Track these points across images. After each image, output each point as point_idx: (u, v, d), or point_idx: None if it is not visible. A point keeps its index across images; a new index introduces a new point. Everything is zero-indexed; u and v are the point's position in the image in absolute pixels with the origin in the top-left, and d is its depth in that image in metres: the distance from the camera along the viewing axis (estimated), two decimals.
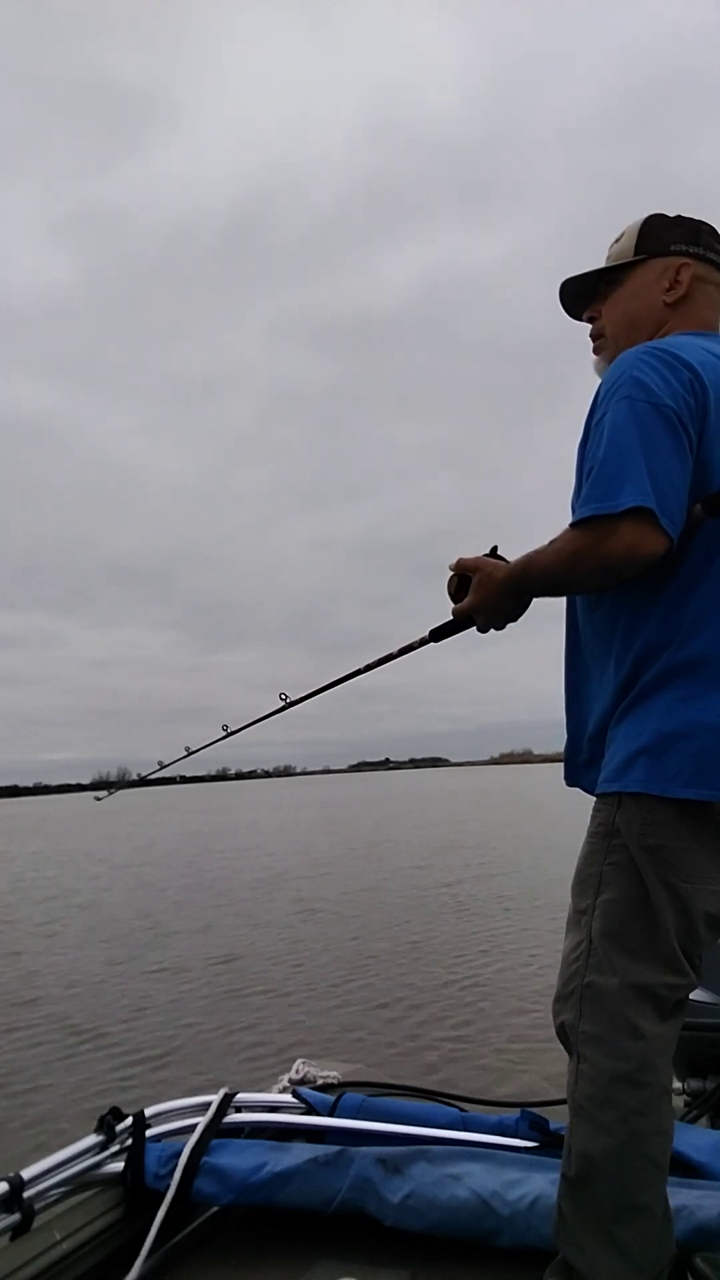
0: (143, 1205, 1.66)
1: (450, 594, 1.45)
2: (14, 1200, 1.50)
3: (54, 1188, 1.59)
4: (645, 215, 1.53)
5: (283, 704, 1.85)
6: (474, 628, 1.46)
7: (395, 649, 1.62)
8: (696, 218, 1.51)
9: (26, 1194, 1.52)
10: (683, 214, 1.51)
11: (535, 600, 1.40)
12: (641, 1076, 1.24)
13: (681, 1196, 1.55)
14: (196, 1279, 1.60)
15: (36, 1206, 1.53)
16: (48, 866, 20.92)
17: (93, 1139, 1.71)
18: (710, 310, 1.48)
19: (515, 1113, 1.91)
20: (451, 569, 1.45)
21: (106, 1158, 1.70)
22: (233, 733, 2.06)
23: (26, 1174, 1.55)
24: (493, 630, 1.45)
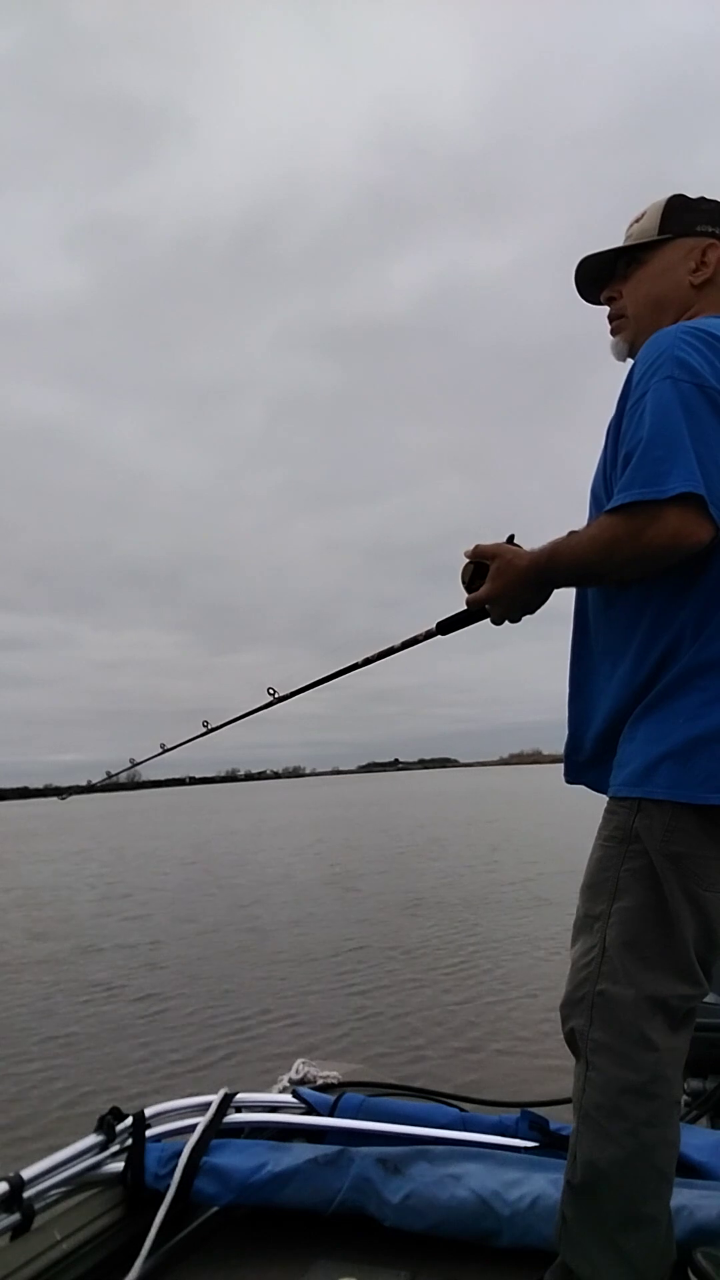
0: (143, 1205, 1.66)
1: (464, 583, 1.39)
2: (14, 1200, 1.50)
3: (54, 1188, 1.60)
4: (668, 195, 1.47)
5: (270, 699, 1.80)
6: (487, 619, 1.40)
7: (399, 642, 1.57)
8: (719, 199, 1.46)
9: (26, 1194, 1.52)
10: (705, 195, 1.46)
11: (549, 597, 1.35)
12: (653, 1089, 1.22)
13: (681, 1196, 1.54)
14: (196, 1279, 1.60)
15: (36, 1206, 1.53)
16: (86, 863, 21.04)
17: (93, 1139, 1.72)
18: None
19: (515, 1113, 1.91)
20: (467, 555, 1.39)
21: (106, 1158, 1.70)
22: (215, 728, 2.00)
23: (26, 1174, 1.55)
24: (507, 623, 1.39)
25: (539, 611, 1.39)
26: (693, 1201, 1.54)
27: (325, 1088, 2.12)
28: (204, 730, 2.02)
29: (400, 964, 7.79)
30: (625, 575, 1.27)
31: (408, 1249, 1.62)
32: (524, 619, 1.40)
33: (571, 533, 1.29)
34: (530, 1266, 1.55)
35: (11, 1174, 1.54)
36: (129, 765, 2.35)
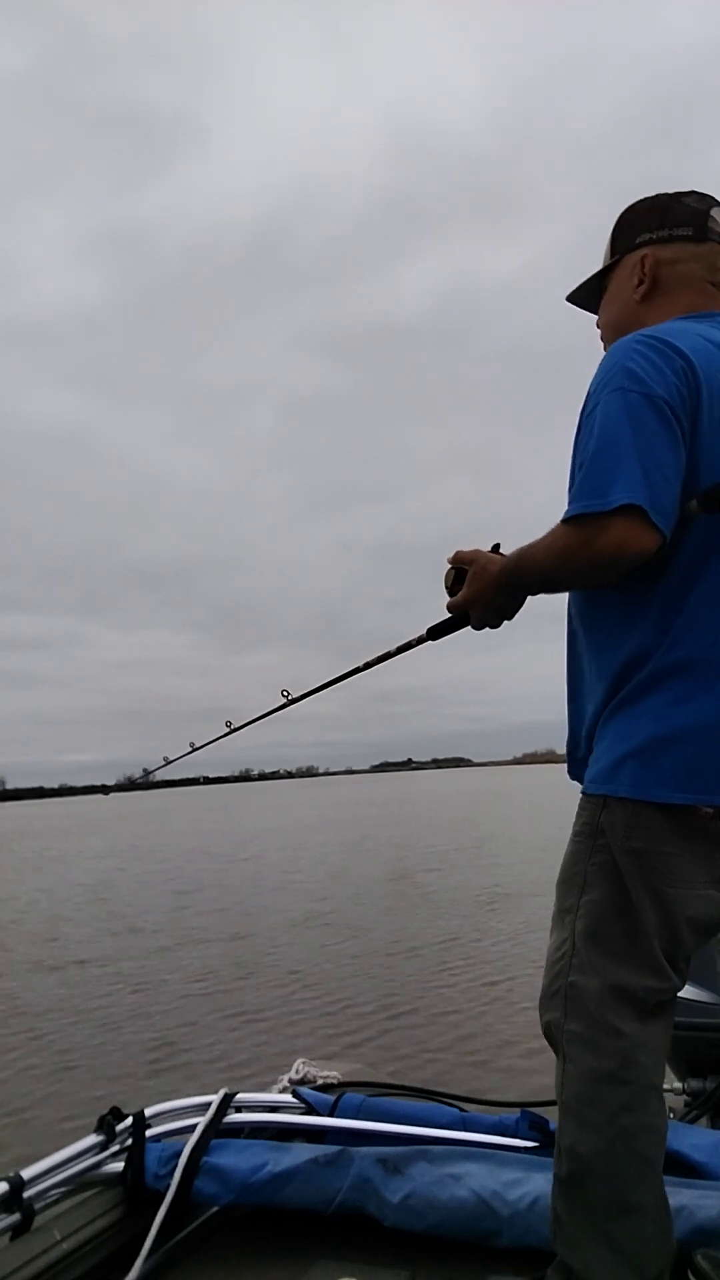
0: (143, 1205, 1.67)
1: (447, 587, 1.41)
2: (14, 1200, 1.50)
3: (54, 1188, 1.60)
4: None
5: (285, 700, 1.84)
6: (469, 625, 1.43)
7: (394, 647, 1.59)
8: (678, 190, 1.44)
9: (26, 1194, 1.52)
10: (666, 191, 1.45)
11: (548, 598, 1.36)
12: (625, 1074, 1.23)
13: (681, 1196, 1.54)
14: (196, 1279, 1.61)
15: (36, 1206, 1.53)
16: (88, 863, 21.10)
17: (93, 1139, 1.72)
18: (692, 291, 1.41)
19: (515, 1113, 1.90)
20: (449, 562, 1.41)
21: (106, 1158, 1.70)
22: (237, 728, 2.04)
23: (26, 1174, 1.56)
24: (488, 629, 1.42)
25: (518, 617, 1.41)
26: (693, 1201, 1.53)
27: (325, 1088, 2.11)
28: (228, 730, 2.05)
29: (401, 964, 7.78)
30: (583, 583, 1.30)
31: (408, 1249, 1.62)
32: (504, 625, 1.42)
33: (541, 538, 1.30)
34: (530, 1266, 1.55)
35: (11, 1174, 1.54)
36: (164, 762, 2.40)
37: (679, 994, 1.31)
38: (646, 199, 1.46)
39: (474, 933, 9.09)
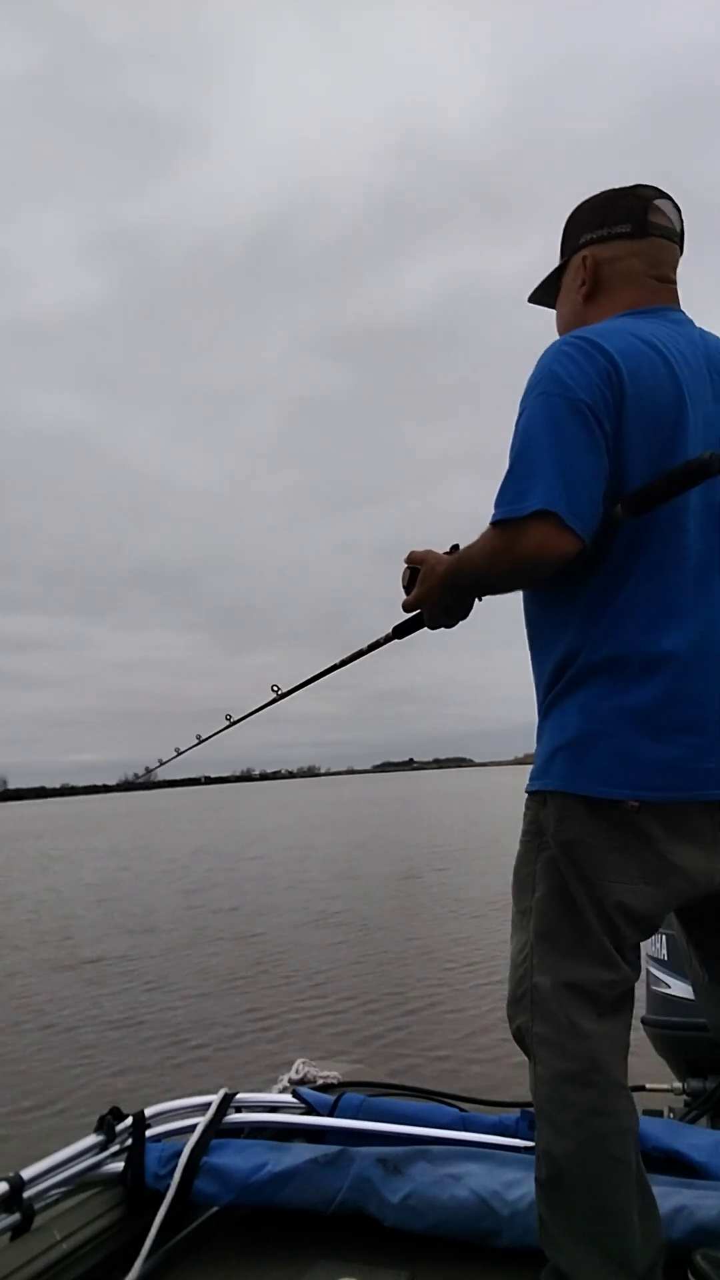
0: (143, 1205, 1.67)
1: (404, 586, 1.44)
2: (14, 1200, 1.50)
3: (54, 1188, 1.60)
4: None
5: (275, 695, 1.86)
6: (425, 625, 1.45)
7: (365, 645, 1.62)
8: (623, 186, 1.45)
9: (26, 1194, 1.52)
10: (615, 187, 1.45)
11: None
12: (590, 1076, 1.23)
13: (681, 1196, 1.54)
14: (196, 1279, 1.61)
15: (36, 1206, 1.53)
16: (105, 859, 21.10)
17: (93, 1139, 1.72)
18: (634, 288, 1.41)
19: (515, 1113, 1.90)
20: (404, 561, 1.44)
21: (106, 1158, 1.70)
22: (239, 720, 2.06)
23: (26, 1174, 1.56)
24: (443, 628, 1.44)
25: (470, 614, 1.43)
26: (693, 1201, 1.53)
27: (325, 1088, 2.11)
28: (229, 722, 2.07)
29: (410, 964, 7.78)
30: (513, 585, 1.32)
31: (408, 1249, 1.62)
32: (458, 624, 1.44)
33: (473, 543, 1.33)
34: (530, 1266, 1.55)
35: (11, 1174, 1.54)
36: (175, 754, 2.38)
37: (680, 995, 1.30)
38: (590, 198, 1.47)
39: (481, 933, 9.08)
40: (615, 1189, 1.22)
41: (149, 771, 2.58)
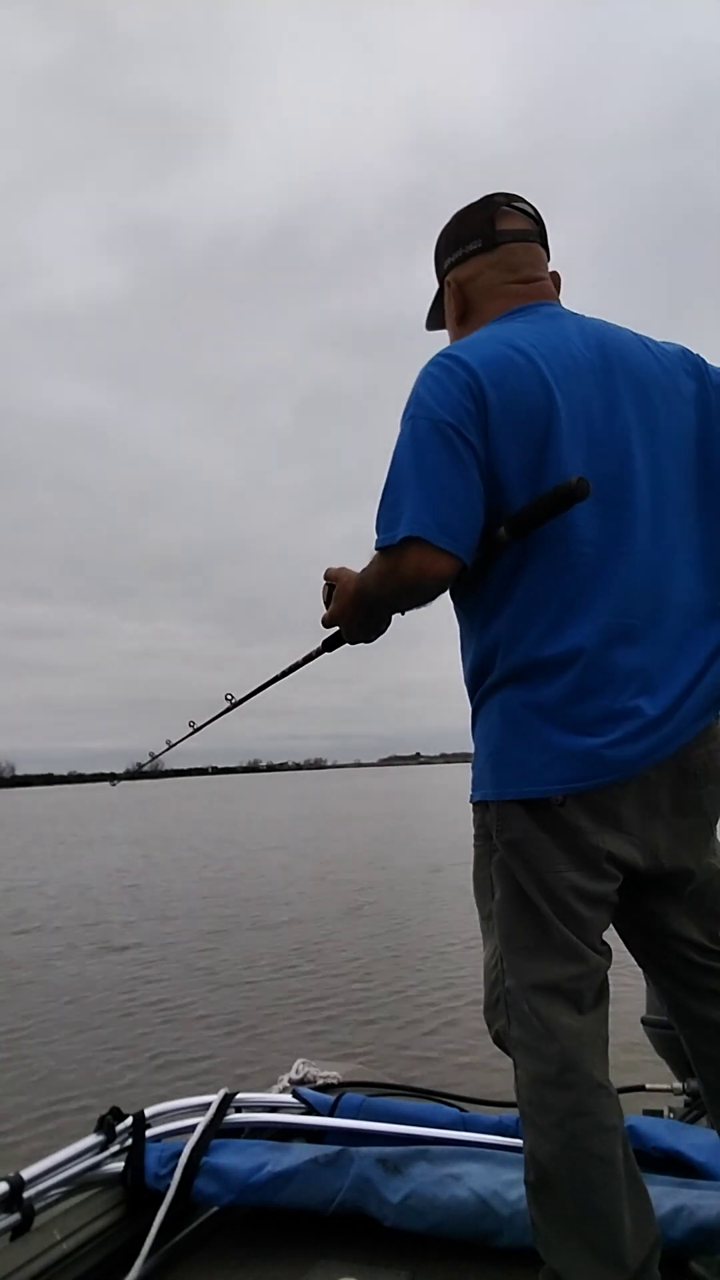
0: (143, 1205, 1.67)
1: (324, 601, 1.46)
2: (14, 1200, 1.50)
3: (54, 1188, 1.60)
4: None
5: (229, 704, 1.87)
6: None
7: (300, 658, 1.65)
8: (472, 202, 1.46)
9: (26, 1194, 1.53)
10: (467, 205, 1.47)
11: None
12: (565, 1077, 1.23)
13: (681, 1196, 1.54)
14: (196, 1279, 1.61)
15: (36, 1206, 1.54)
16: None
17: (93, 1139, 1.72)
18: (497, 298, 1.42)
19: (515, 1113, 1.90)
20: (324, 577, 1.46)
21: (106, 1158, 1.71)
22: (194, 730, 2.04)
23: (26, 1174, 1.56)
24: (362, 644, 1.46)
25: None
26: (693, 1201, 1.53)
27: (325, 1088, 2.12)
28: (230, 704, 2.01)
29: (405, 963, 7.77)
30: (406, 605, 1.34)
31: (408, 1249, 1.62)
32: (377, 640, 1.46)
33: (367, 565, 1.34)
34: (530, 1266, 1.55)
35: (11, 1174, 1.54)
36: (190, 730, 2.23)
37: None
38: (445, 224, 1.49)
39: None
40: (601, 1188, 1.22)
41: (155, 754, 2.55)
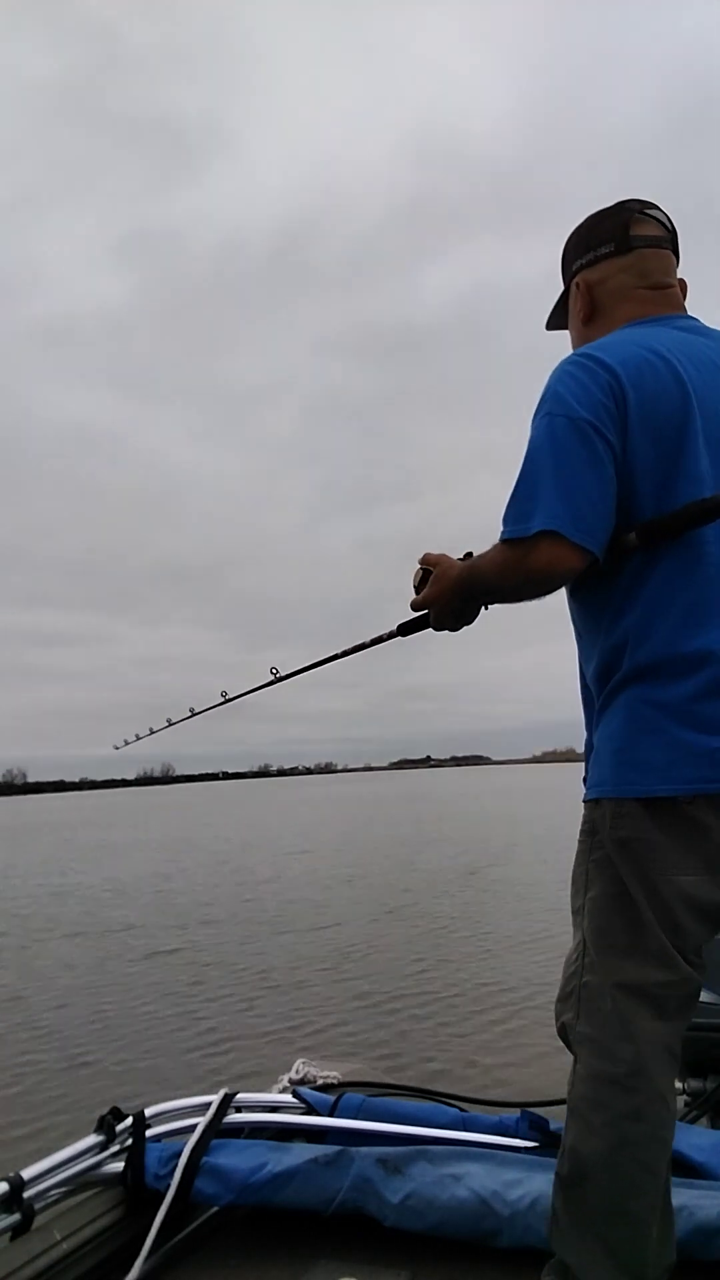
0: (143, 1205, 1.67)
1: (414, 586, 1.47)
2: (14, 1200, 1.51)
3: (54, 1188, 1.60)
4: None
5: (273, 678, 1.88)
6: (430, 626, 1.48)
7: (368, 639, 1.66)
8: (607, 206, 1.48)
9: (26, 1194, 1.53)
10: (600, 209, 1.49)
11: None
12: (632, 1082, 1.22)
13: (681, 1196, 1.52)
14: (196, 1279, 1.61)
15: (36, 1206, 1.54)
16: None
17: (93, 1139, 1.72)
18: (627, 302, 1.44)
19: (515, 1113, 1.89)
20: (418, 563, 1.47)
21: (106, 1158, 1.70)
22: (233, 698, 2.06)
23: (26, 1174, 1.56)
24: (446, 631, 1.46)
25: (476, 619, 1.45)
26: (693, 1201, 1.52)
27: (325, 1088, 2.11)
28: (223, 700, 2.07)
29: (406, 963, 7.75)
30: (523, 596, 1.34)
31: (408, 1249, 1.62)
32: (461, 629, 1.46)
33: (485, 553, 1.35)
34: (530, 1266, 1.54)
35: (11, 1174, 1.54)
36: (223, 700, 2.19)
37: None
38: (577, 227, 1.51)
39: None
40: (638, 1196, 1.22)
41: (138, 738, 2.51)
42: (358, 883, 13.72)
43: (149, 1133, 1.77)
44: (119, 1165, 1.71)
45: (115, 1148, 1.74)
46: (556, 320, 1.61)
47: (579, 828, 1.37)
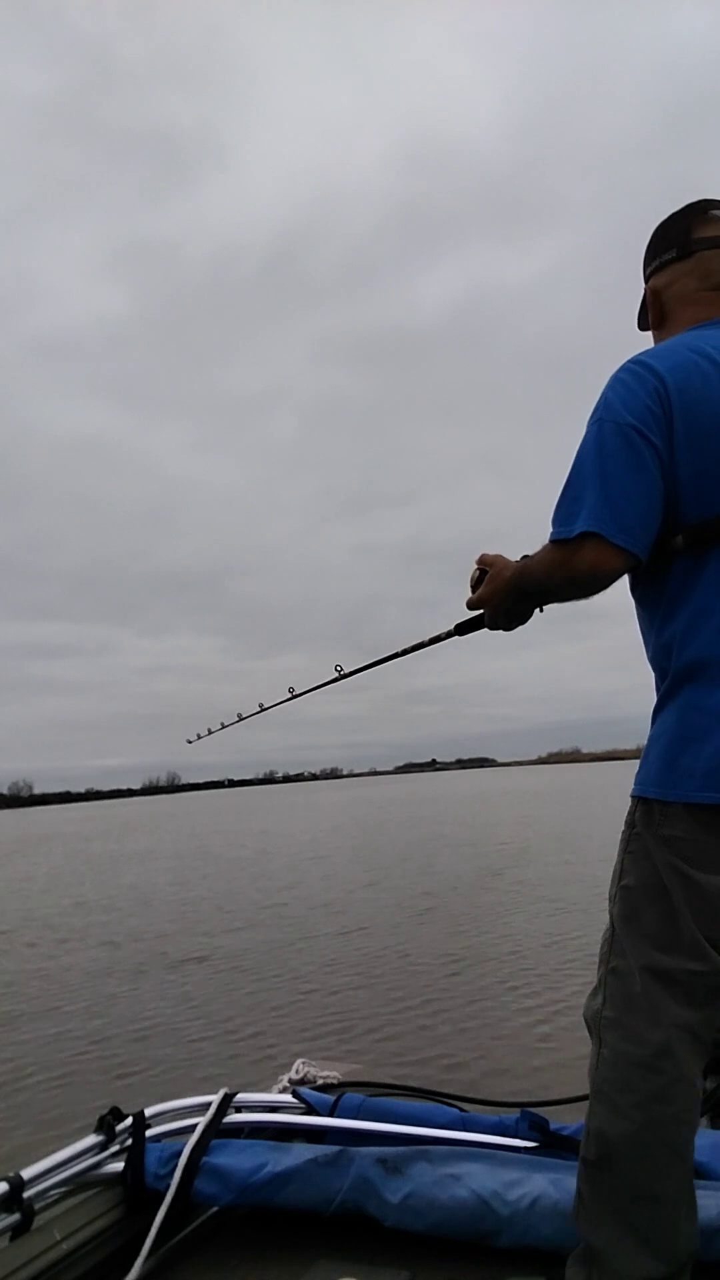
0: (143, 1205, 1.67)
1: (471, 585, 1.50)
2: (14, 1200, 1.51)
3: (54, 1188, 1.61)
4: None
5: (338, 675, 1.91)
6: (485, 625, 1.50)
7: (426, 638, 1.68)
8: (680, 208, 1.49)
9: (26, 1194, 1.53)
10: (672, 212, 1.49)
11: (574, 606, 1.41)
12: (659, 1064, 1.23)
13: None
14: (196, 1279, 1.61)
15: (37, 1206, 1.54)
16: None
17: (93, 1139, 1.72)
18: (691, 305, 1.45)
19: (515, 1113, 1.89)
20: (475, 563, 1.50)
21: (106, 1158, 1.71)
22: (300, 694, 2.08)
23: (26, 1174, 1.57)
24: (500, 630, 1.48)
25: (538, 621, 1.48)
26: None
27: (325, 1088, 2.11)
28: (290, 695, 2.08)
29: (402, 965, 7.70)
30: (571, 596, 1.36)
31: (408, 1249, 1.62)
32: (517, 629, 1.49)
33: (536, 553, 1.38)
34: (530, 1266, 1.54)
35: (11, 1174, 1.55)
36: (290, 695, 2.19)
37: None
38: (654, 230, 1.52)
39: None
40: (663, 1178, 1.23)
41: (210, 733, 2.53)
42: (378, 886, 13.68)
43: (149, 1133, 1.78)
44: (119, 1165, 1.72)
45: (115, 1148, 1.74)
46: (644, 323, 1.63)
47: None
